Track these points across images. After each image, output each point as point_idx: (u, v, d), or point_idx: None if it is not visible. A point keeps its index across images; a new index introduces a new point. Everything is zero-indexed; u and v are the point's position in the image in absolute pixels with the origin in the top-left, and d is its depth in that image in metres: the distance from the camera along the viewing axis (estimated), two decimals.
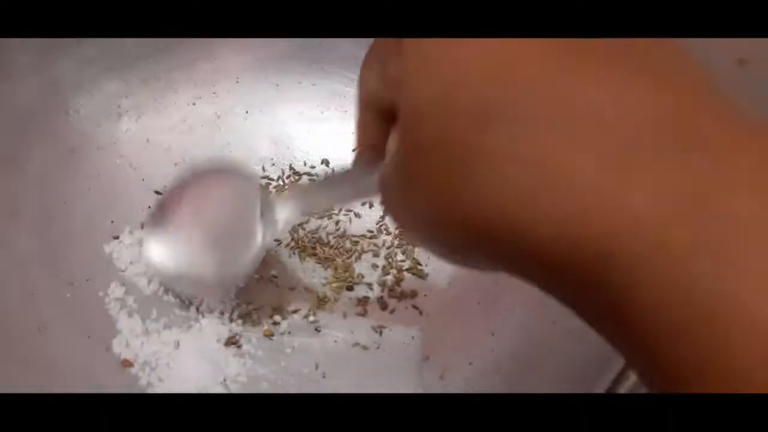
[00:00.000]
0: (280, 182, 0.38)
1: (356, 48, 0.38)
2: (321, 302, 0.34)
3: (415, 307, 0.34)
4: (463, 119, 0.12)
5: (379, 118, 0.20)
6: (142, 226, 0.34)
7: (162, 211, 0.31)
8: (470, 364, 0.30)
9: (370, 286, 0.34)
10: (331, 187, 0.28)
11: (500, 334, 0.30)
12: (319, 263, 0.35)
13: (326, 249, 0.36)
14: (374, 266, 0.35)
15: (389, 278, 0.35)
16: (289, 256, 0.35)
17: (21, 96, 0.32)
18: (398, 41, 0.16)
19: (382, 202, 0.18)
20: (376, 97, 0.19)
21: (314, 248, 0.36)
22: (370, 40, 0.38)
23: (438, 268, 0.35)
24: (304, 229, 0.36)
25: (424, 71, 0.13)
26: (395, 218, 0.17)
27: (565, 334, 0.27)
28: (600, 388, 0.25)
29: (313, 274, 0.35)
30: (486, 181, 0.12)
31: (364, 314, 0.34)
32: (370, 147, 0.21)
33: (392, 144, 0.19)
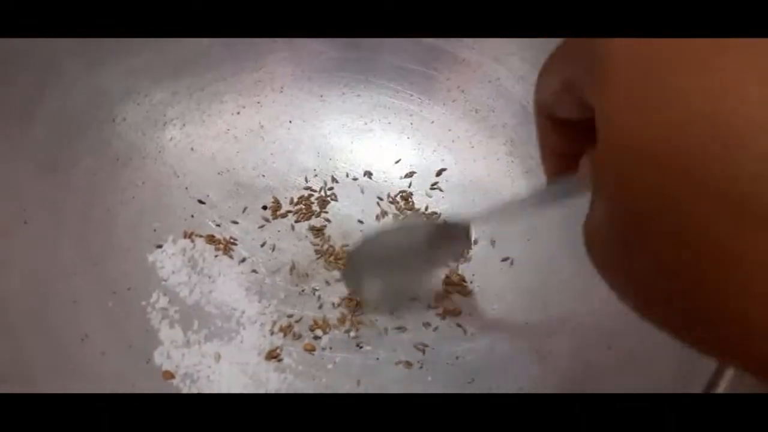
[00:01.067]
0: (323, 193, 0.37)
1: (400, 60, 0.38)
2: (361, 318, 0.33)
3: (459, 325, 0.33)
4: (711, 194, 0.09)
5: (559, 126, 0.16)
6: (185, 235, 0.34)
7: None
8: (520, 389, 0.29)
9: (413, 301, 0.34)
10: (527, 207, 0.24)
11: (551, 358, 0.29)
12: None
13: None
14: (414, 281, 0.34)
15: (432, 295, 0.34)
16: (331, 270, 0.35)
17: (69, 104, 0.32)
18: (586, 45, 0.12)
19: (591, 257, 0.14)
20: (551, 111, 0.16)
21: None
22: (418, 53, 0.37)
23: (483, 287, 0.34)
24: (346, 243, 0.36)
25: (640, 108, 0.10)
26: (608, 280, 0.13)
27: (622, 361, 0.26)
28: None
29: None
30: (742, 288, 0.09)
31: (405, 331, 0.33)
32: (555, 156, 0.18)
33: (587, 168, 0.15)
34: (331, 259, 0.35)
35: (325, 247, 0.35)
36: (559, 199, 0.19)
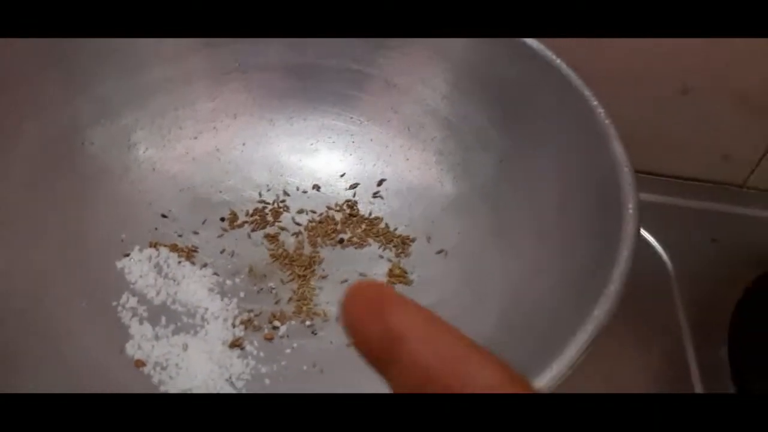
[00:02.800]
0: (276, 205, 0.41)
1: (340, 88, 0.44)
2: (315, 309, 0.37)
3: None
4: None
5: None
6: (150, 244, 0.38)
7: None
8: None
9: None
10: None
11: (481, 339, 0.33)
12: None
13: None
14: (362, 275, 0.39)
15: None
16: (285, 271, 0.38)
17: (45, 129, 0.36)
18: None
19: None
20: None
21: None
22: (356, 81, 0.43)
23: (423, 276, 0.38)
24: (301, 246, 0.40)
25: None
26: None
27: (540, 333, 0.30)
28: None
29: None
30: None
31: None
32: None
33: None
34: (286, 261, 0.39)
35: (280, 251, 0.39)
36: None
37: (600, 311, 0.25)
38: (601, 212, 0.31)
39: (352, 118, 0.44)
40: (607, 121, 0.32)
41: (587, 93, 0.34)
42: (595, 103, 0.33)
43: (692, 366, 0.43)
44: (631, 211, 0.28)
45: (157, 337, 0.34)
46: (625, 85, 0.46)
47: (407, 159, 0.43)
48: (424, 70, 0.41)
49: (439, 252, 0.39)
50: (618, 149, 0.31)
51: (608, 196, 0.30)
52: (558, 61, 0.36)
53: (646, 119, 0.48)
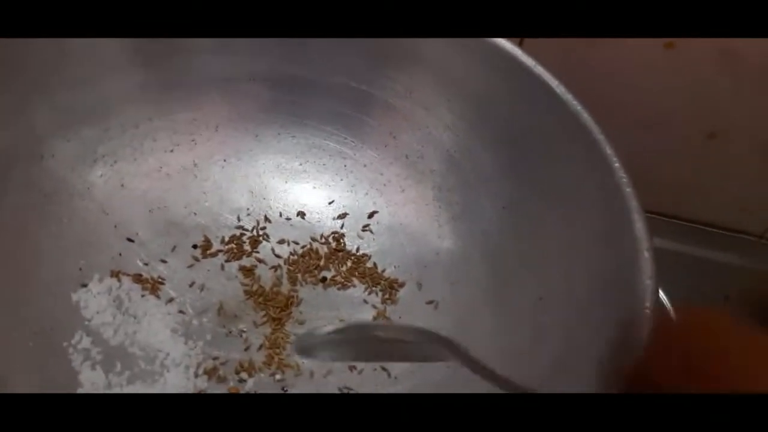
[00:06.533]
0: (255, 233, 0.38)
1: (334, 105, 0.39)
2: (287, 360, 0.34)
3: (383, 368, 0.34)
4: None
5: None
6: (112, 274, 0.34)
7: None
8: None
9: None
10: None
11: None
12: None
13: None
14: (342, 322, 0.35)
15: None
16: (259, 312, 0.35)
17: None
18: None
19: None
20: None
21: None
22: (351, 98, 0.38)
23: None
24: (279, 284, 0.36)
25: None
26: None
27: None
28: None
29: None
30: None
31: (330, 374, 0.33)
32: None
33: None
34: (261, 300, 0.35)
35: (255, 287, 0.36)
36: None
37: None
38: (615, 297, 0.27)
39: (345, 139, 0.40)
40: (628, 190, 0.28)
41: (608, 151, 0.30)
42: (617, 164, 0.29)
43: None
44: (647, 311, 0.24)
45: (109, 386, 0.31)
46: (652, 124, 0.42)
47: (403, 190, 0.39)
48: (429, 95, 0.37)
49: (430, 302, 0.36)
50: (639, 228, 0.27)
51: (624, 280, 0.27)
52: (578, 106, 0.32)
53: (668, 159, 0.44)
